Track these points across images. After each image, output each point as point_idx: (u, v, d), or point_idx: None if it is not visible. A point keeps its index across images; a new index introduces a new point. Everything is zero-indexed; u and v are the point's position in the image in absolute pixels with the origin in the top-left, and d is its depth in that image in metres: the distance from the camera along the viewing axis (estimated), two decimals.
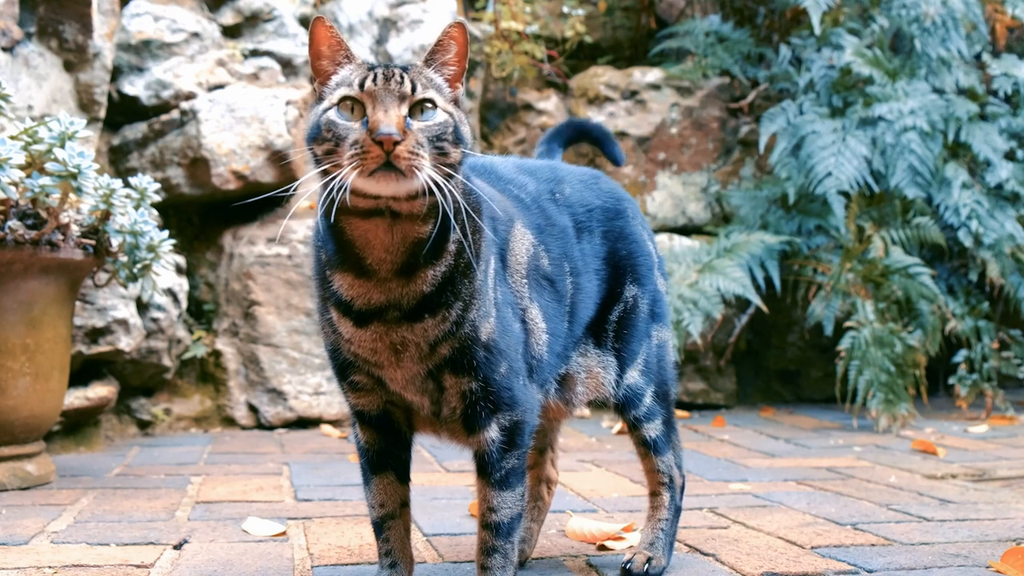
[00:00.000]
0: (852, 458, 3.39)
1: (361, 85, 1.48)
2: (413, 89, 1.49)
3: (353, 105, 1.48)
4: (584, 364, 1.87)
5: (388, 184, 1.44)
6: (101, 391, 3.51)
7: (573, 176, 1.95)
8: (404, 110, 1.47)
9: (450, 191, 1.48)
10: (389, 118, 1.44)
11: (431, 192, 1.46)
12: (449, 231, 1.54)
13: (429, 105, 1.50)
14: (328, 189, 1.46)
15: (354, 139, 1.45)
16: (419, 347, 1.56)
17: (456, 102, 1.57)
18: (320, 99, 1.55)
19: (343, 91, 1.49)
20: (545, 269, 1.76)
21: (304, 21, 4.55)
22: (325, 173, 1.49)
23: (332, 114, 1.48)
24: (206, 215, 4.30)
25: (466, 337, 1.57)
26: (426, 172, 1.44)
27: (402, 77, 1.49)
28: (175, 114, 4.14)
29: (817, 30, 4.63)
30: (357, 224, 1.51)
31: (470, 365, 1.58)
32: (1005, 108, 4.88)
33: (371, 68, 1.53)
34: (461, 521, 2.40)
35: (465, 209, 1.55)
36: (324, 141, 1.48)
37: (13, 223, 2.68)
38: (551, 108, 5.04)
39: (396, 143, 1.42)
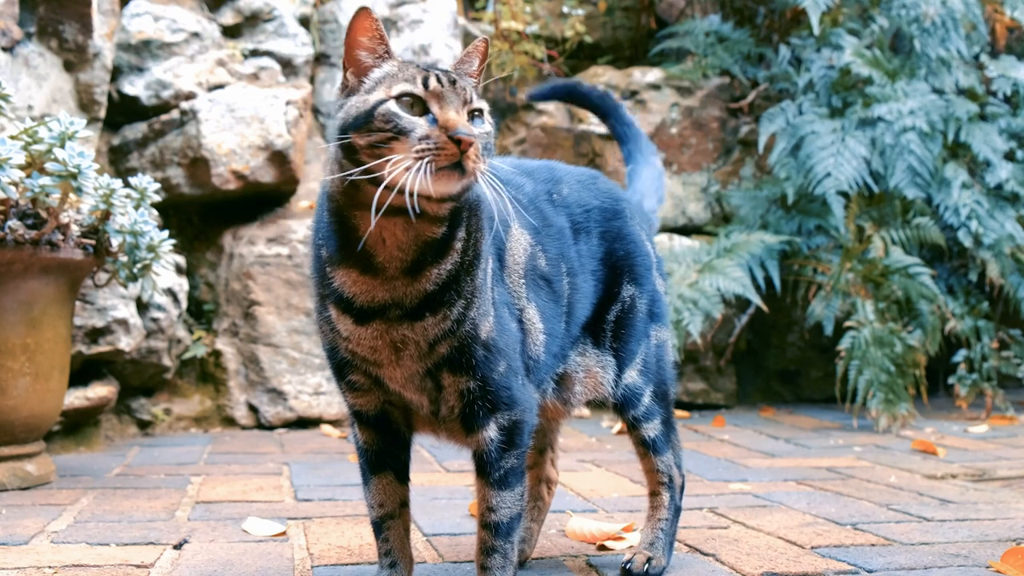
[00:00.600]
0: (852, 458, 3.39)
1: (425, 84, 1.48)
2: (471, 97, 1.51)
3: (414, 102, 1.47)
4: (582, 364, 1.87)
5: (447, 183, 1.45)
6: (101, 391, 3.51)
7: (571, 176, 1.95)
8: (465, 115, 1.49)
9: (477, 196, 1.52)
10: (464, 119, 1.46)
11: (455, 197, 1.49)
12: (457, 231, 1.54)
13: (479, 114, 1.52)
14: (370, 179, 1.44)
15: (423, 134, 1.44)
16: (419, 345, 1.56)
17: None
18: (351, 91, 1.53)
19: (404, 87, 1.47)
20: (542, 269, 1.76)
21: (304, 21, 4.55)
22: (358, 163, 1.46)
23: (391, 105, 1.46)
24: (206, 215, 4.30)
25: (466, 335, 1.57)
26: (486, 176, 1.47)
27: (463, 82, 1.51)
28: (175, 114, 4.14)
29: (816, 30, 4.63)
30: (377, 222, 1.49)
31: (469, 364, 1.58)
32: (1005, 108, 4.88)
33: (419, 66, 1.53)
34: (461, 521, 2.40)
35: (469, 208, 1.56)
36: (376, 131, 1.45)
37: (13, 223, 2.68)
38: (551, 108, 5.04)
39: (470, 144, 1.43)
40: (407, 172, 1.41)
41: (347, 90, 1.55)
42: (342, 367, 1.65)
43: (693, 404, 4.77)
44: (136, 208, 2.99)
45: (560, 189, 1.90)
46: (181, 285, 3.96)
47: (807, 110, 4.69)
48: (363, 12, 1.52)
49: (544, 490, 2.12)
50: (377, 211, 1.44)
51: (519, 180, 1.85)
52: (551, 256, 1.79)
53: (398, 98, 1.47)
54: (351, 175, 1.47)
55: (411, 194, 1.41)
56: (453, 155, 1.42)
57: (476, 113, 1.52)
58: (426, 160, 1.41)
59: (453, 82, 1.50)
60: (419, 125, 1.45)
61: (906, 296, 4.35)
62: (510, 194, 1.79)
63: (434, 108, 1.47)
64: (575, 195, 1.91)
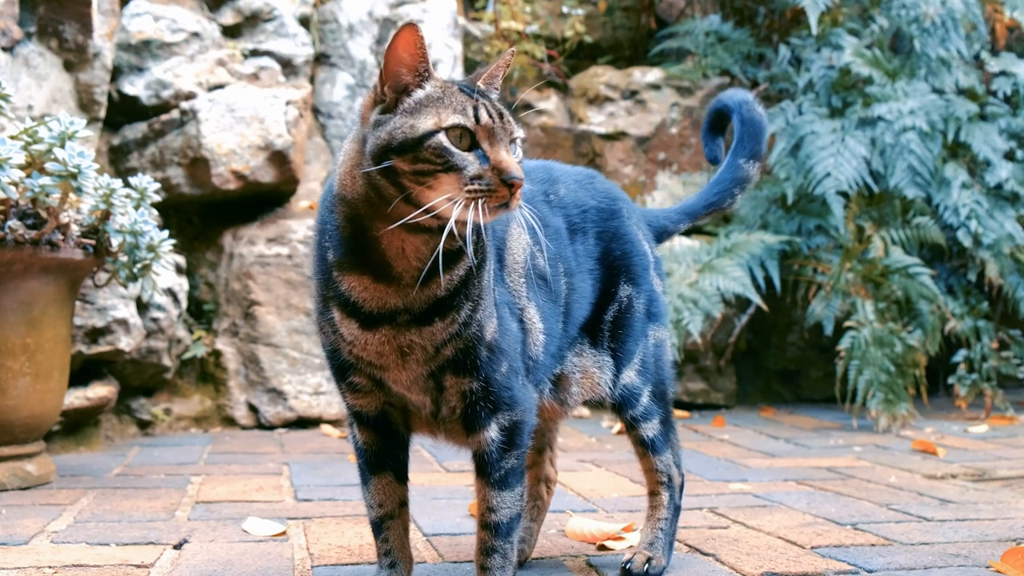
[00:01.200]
0: (852, 458, 3.39)
1: (477, 117, 1.47)
2: (514, 128, 1.52)
3: (462, 134, 1.46)
4: (579, 364, 1.87)
5: (491, 216, 1.47)
6: (101, 391, 3.51)
7: (568, 176, 1.95)
8: (512, 152, 1.50)
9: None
10: (514, 160, 1.47)
11: None
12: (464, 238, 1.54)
13: (517, 141, 1.53)
14: (404, 196, 1.45)
15: (476, 173, 1.44)
16: (425, 349, 1.56)
17: None
18: (389, 109, 1.50)
19: (456, 119, 1.46)
20: (540, 269, 1.76)
21: (304, 21, 4.55)
22: (397, 185, 1.46)
23: (443, 139, 1.45)
24: (206, 215, 4.30)
25: (471, 337, 1.57)
26: (523, 208, 1.50)
27: (503, 114, 1.52)
28: (175, 114, 4.14)
29: (815, 30, 4.63)
30: (399, 235, 1.49)
31: (473, 365, 1.58)
32: (1005, 108, 4.88)
33: (464, 91, 1.51)
34: (461, 521, 2.40)
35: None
36: (424, 162, 1.44)
37: (13, 223, 2.68)
38: (551, 108, 5.04)
39: (520, 187, 1.45)
40: (455, 206, 1.43)
41: (383, 105, 1.51)
42: (343, 369, 1.65)
43: (693, 404, 4.77)
44: (136, 208, 2.99)
45: (557, 189, 1.90)
46: (181, 285, 3.96)
47: (807, 110, 4.69)
48: (409, 27, 1.48)
49: (543, 490, 2.12)
50: (410, 228, 1.47)
51: None
52: (548, 256, 1.79)
53: (448, 130, 1.46)
54: (376, 191, 1.48)
55: (461, 224, 1.44)
56: (504, 197, 1.45)
57: (515, 141, 1.52)
58: (480, 201, 1.43)
59: (501, 115, 1.50)
60: (470, 163, 1.45)
61: (906, 296, 4.35)
62: None
63: (484, 144, 1.47)
64: (572, 195, 1.91)
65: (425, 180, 1.45)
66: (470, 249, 1.52)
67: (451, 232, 1.45)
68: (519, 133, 1.53)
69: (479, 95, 1.51)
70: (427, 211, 1.43)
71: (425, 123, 1.46)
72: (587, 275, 1.87)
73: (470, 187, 1.43)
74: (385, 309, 1.54)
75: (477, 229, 1.54)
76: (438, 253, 1.48)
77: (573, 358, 1.86)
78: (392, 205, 1.46)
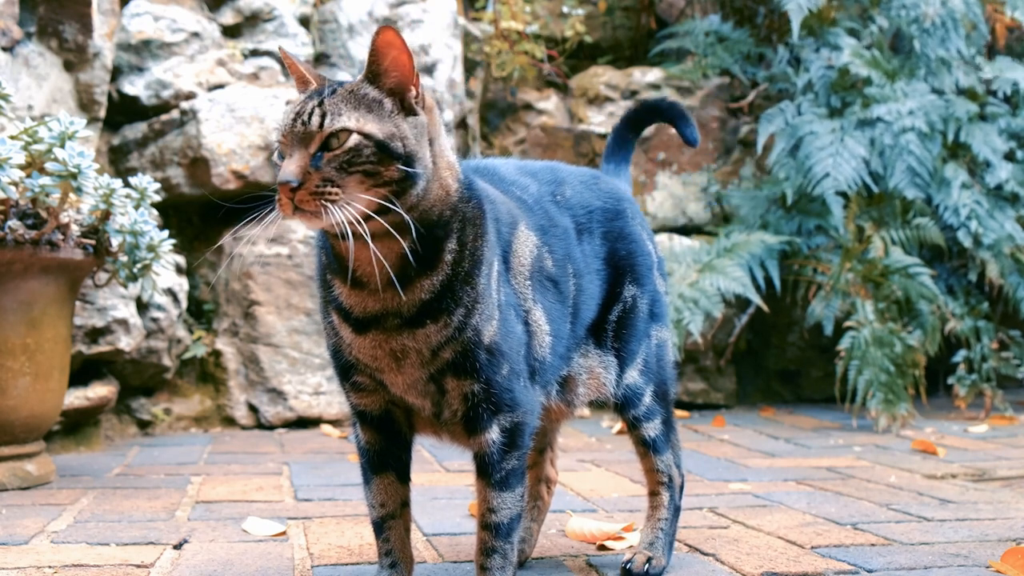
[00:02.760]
0: (852, 458, 3.39)
1: (283, 128, 1.51)
2: (320, 124, 1.48)
3: (284, 147, 1.51)
4: (585, 365, 1.87)
5: (306, 221, 1.48)
6: (101, 391, 3.51)
7: (573, 177, 1.95)
8: (313, 148, 1.48)
9: (425, 212, 1.51)
10: (289, 164, 1.47)
11: (385, 212, 1.47)
12: (444, 240, 1.54)
13: (344, 134, 1.48)
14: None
15: (276, 184, 1.49)
16: (420, 353, 1.56)
17: (410, 110, 1.53)
18: None
19: (275, 133, 1.54)
20: (549, 270, 1.76)
21: (304, 21, 4.55)
22: None
23: (275, 157, 1.54)
24: (206, 215, 4.30)
25: (468, 341, 1.57)
26: (335, 208, 1.44)
27: (312, 112, 1.49)
28: (175, 114, 4.14)
29: (795, 36, 4.63)
30: (336, 242, 1.54)
31: (472, 368, 1.58)
32: (1005, 108, 4.88)
33: (307, 99, 1.53)
34: (461, 521, 2.40)
35: (461, 217, 1.55)
36: None
37: (13, 223, 2.68)
38: (551, 108, 5.04)
39: (293, 189, 1.44)
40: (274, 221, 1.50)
41: None
42: (346, 369, 1.66)
43: (693, 404, 4.77)
44: (136, 208, 2.99)
45: (563, 190, 1.90)
46: (181, 285, 3.96)
47: (806, 110, 4.69)
48: (281, 52, 1.61)
49: (544, 490, 2.12)
50: (338, 237, 1.50)
51: (524, 181, 1.85)
52: (557, 257, 1.79)
53: (277, 148, 1.53)
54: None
55: (337, 226, 1.46)
56: (287, 204, 1.46)
57: (341, 135, 1.47)
58: (275, 210, 1.48)
59: (296, 118, 1.50)
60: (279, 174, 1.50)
61: (906, 296, 4.35)
62: (516, 194, 1.80)
63: (287, 152, 1.50)
64: (578, 196, 1.91)
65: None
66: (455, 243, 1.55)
67: (390, 234, 1.47)
68: (338, 124, 1.47)
69: (310, 98, 1.52)
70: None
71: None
72: (594, 276, 1.87)
73: (276, 197, 1.48)
74: (368, 313, 1.56)
75: (464, 232, 1.55)
76: (404, 253, 1.51)
77: (579, 359, 1.86)
78: None
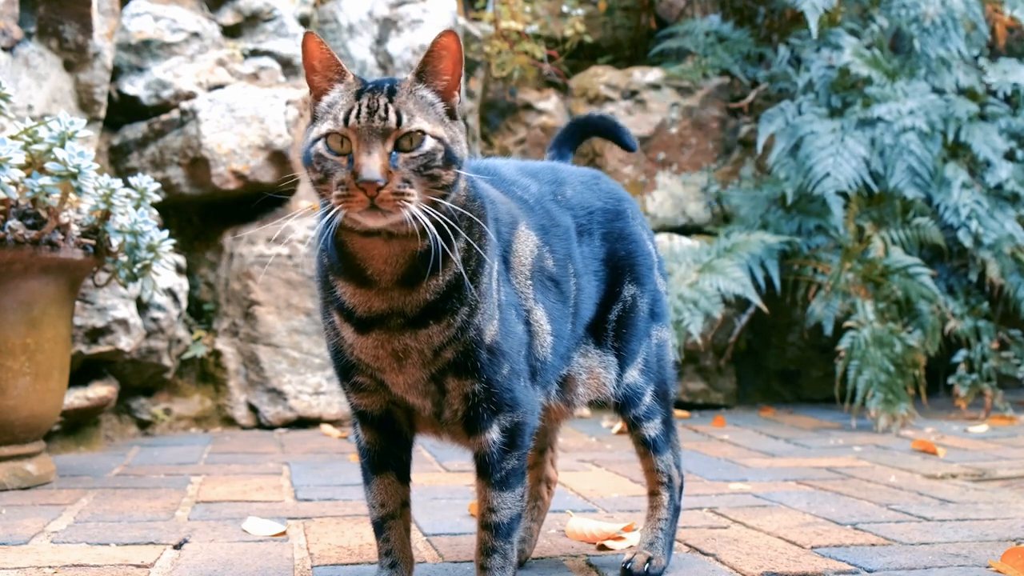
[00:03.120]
0: (852, 458, 3.39)
1: (346, 120, 1.47)
2: (399, 122, 1.47)
3: (342, 140, 1.48)
4: (585, 364, 1.87)
5: (376, 220, 1.46)
6: (101, 391, 3.51)
7: (574, 177, 1.95)
8: (389, 146, 1.46)
9: (448, 213, 1.49)
10: (372, 161, 1.44)
11: (427, 212, 1.47)
12: (452, 241, 1.54)
13: (418, 135, 1.48)
14: (323, 212, 1.49)
15: (340, 179, 1.46)
16: (422, 353, 1.56)
17: (452, 114, 1.56)
18: (314, 118, 1.55)
19: (328, 126, 1.48)
20: (550, 270, 1.76)
21: (304, 21, 4.55)
22: (320, 196, 1.52)
23: (320, 147, 1.48)
24: (206, 215, 4.30)
25: (470, 341, 1.57)
26: (412, 208, 1.45)
27: (387, 108, 1.47)
28: (175, 114, 4.14)
29: (814, 33, 4.63)
30: (356, 239, 1.52)
31: (473, 368, 1.58)
32: (1005, 108, 4.88)
33: (360, 92, 1.50)
34: (461, 521, 2.40)
35: (469, 217, 1.55)
36: (314, 171, 1.50)
37: (13, 223, 2.68)
38: (551, 108, 5.04)
39: (379, 188, 1.43)
40: (331, 216, 1.46)
41: (312, 117, 1.56)
42: (347, 369, 1.65)
43: (693, 404, 4.77)
44: (136, 208, 2.99)
45: (564, 191, 1.90)
46: (181, 285, 3.96)
47: (806, 110, 4.69)
48: (308, 36, 1.53)
49: (544, 490, 2.12)
50: (342, 229, 1.50)
51: (525, 181, 1.85)
52: (558, 257, 1.79)
53: (326, 137, 1.48)
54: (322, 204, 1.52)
55: (343, 227, 1.47)
56: (362, 201, 1.44)
57: (414, 135, 1.48)
58: (340, 207, 1.45)
59: (372, 112, 1.47)
60: (340, 169, 1.47)
61: (906, 296, 4.35)
62: (516, 194, 1.80)
63: (354, 147, 1.47)
64: (578, 196, 1.91)
65: (319, 187, 1.50)
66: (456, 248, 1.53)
67: (415, 234, 1.46)
68: (414, 126, 1.48)
69: (370, 93, 1.50)
70: (326, 216, 1.46)
71: (316, 131, 1.51)
72: (593, 276, 1.87)
73: (336, 193, 1.46)
74: (372, 313, 1.55)
75: (471, 232, 1.55)
76: (416, 253, 1.50)
77: (579, 359, 1.86)
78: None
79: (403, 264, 1.51)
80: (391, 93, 1.50)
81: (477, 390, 1.59)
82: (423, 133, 1.48)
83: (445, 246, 1.52)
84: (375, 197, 1.43)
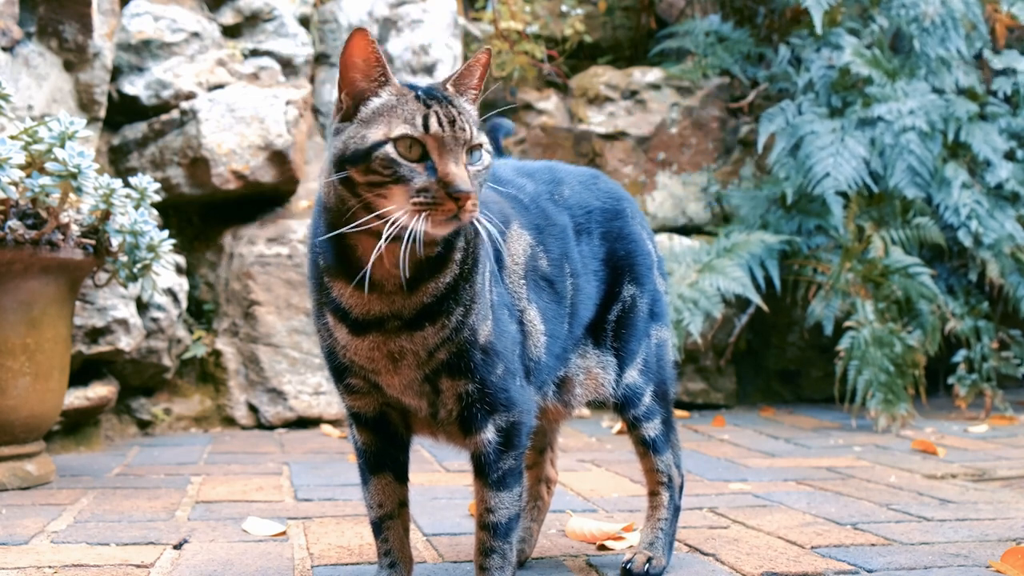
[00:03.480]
0: (852, 458, 3.39)
1: (426, 127, 1.45)
2: (472, 135, 1.49)
3: (411, 145, 1.45)
4: (583, 365, 1.87)
5: (447, 228, 1.46)
6: (101, 391, 3.51)
7: (572, 177, 1.95)
8: (464, 157, 1.47)
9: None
10: (462, 172, 1.44)
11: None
12: (456, 241, 1.54)
13: (479, 148, 1.50)
14: (376, 219, 1.44)
15: (422, 186, 1.43)
16: (417, 355, 1.56)
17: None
18: (348, 116, 1.50)
19: (403, 129, 1.45)
20: (544, 270, 1.76)
21: (304, 21, 4.55)
22: (356, 195, 1.46)
23: (390, 150, 1.44)
24: (206, 215, 4.30)
25: (464, 341, 1.57)
26: (478, 216, 1.47)
27: (463, 119, 1.48)
28: (175, 114, 4.14)
29: (819, 29, 4.63)
30: (371, 242, 1.48)
31: (467, 368, 1.58)
32: (1005, 108, 4.88)
33: (422, 99, 1.49)
34: (461, 521, 2.40)
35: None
36: (374, 173, 1.44)
37: (13, 223, 2.68)
38: (551, 108, 5.04)
39: (468, 199, 1.43)
40: (404, 217, 1.42)
41: (342, 113, 1.52)
42: (341, 371, 1.65)
43: (693, 404, 4.77)
44: (136, 208, 2.99)
45: (561, 190, 1.90)
46: (181, 285, 3.96)
47: (807, 110, 4.69)
48: (359, 33, 1.48)
49: (544, 490, 2.12)
50: (359, 232, 1.47)
51: (520, 181, 1.85)
52: (554, 256, 1.78)
53: (396, 141, 1.45)
54: (346, 204, 1.48)
55: (410, 236, 1.42)
56: (451, 210, 1.43)
57: (476, 148, 1.50)
58: (423, 214, 1.42)
59: (452, 122, 1.47)
60: (417, 176, 1.44)
61: (906, 296, 4.35)
62: (511, 194, 1.80)
63: (433, 155, 1.45)
64: (576, 196, 1.91)
65: (377, 190, 1.45)
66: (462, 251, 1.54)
67: (416, 240, 1.44)
68: (480, 139, 1.50)
69: (436, 101, 1.49)
70: (382, 219, 1.43)
71: (375, 133, 1.46)
72: (592, 276, 1.87)
73: (416, 200, 1.42)
74: (371, 316, 1.54)
75: (467, 231, 1.55)
76: (421, 258, 1.49)
77: (577, 359, 1.86)
78: (353, 213, 1.47)
79: (411, 269, 1.50)
80: (452, 103, 1.51)
81: (471, 390, 1.59)
82: (482, 147, 1.51)
83: (450, 246, 1.53)
84: (463, 207, 1.43)
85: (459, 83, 1.56)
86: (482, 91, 1.59)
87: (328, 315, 1.59)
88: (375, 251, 1.44)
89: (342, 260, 1.54)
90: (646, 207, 4.96)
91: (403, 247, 1.43)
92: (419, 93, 1.51)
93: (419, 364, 1.57)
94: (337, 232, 1.49)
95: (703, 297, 4.25)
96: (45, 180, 2.66)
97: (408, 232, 1.41)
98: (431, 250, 1.51)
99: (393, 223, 1.42)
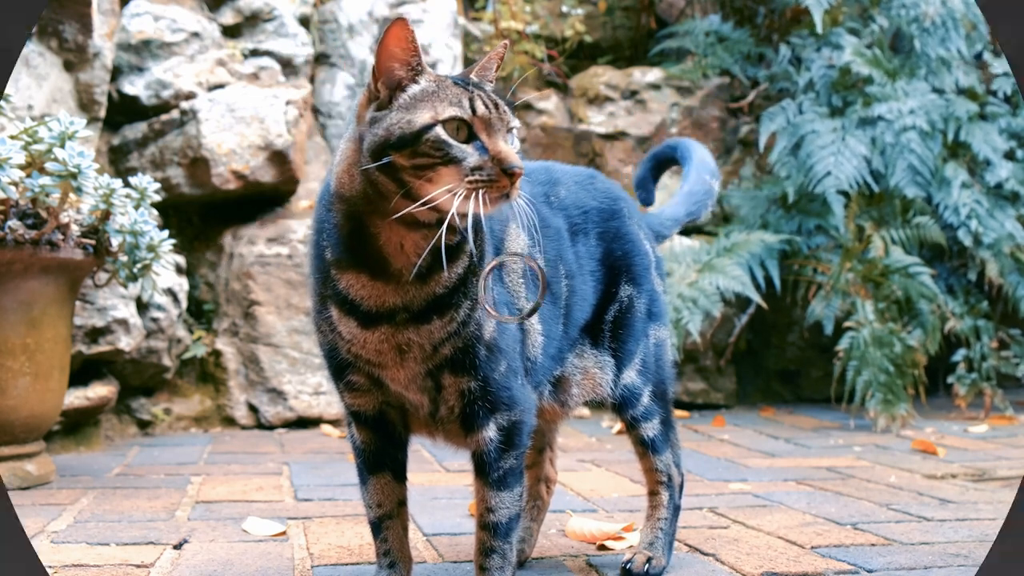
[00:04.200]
0: (852, 458, 3.39)
1: (473, 109, 1.48)
2: (511, 119, 1.52)
3: (459, 127, 1.47)
4: (580, 365, 1.87)
5: (496, 207, 1.47)
6: (101, 391, 3.51)
7: (568, 177, 1.95)
8: (506, 139, 1.51)
9: None
10: (512, 150, 1.48)
11: None
12: (466, 234, 1.54)
13: (515, 132, 1.54)
14: (404, 192, 1.45)
15: (476, 164, 1.44)
16: (423, 348, 1.56)
17: None
18: (383, 105, 1.50)
19: (453, 111, 1.46)
20: None
21: (304, 21, 4.55)
22: (397, 181, 1.46)
23: (440, 132, 1.45)
24: (206, 215, 4.30)
25: (470, 336, 1.57)
26: (521, 195, 1.50)
27: (504, 105, 1.52)
28: (175, 114, 4.14)
29: (820, 29, 4.63)
30: (397, 230, 1.49)
31: (471, 364, 1.58)
32: (1005, 108, 4.88)
33: (458, 84, 1.51)
34: (461, 521, 2.40)
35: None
36: (423, 156, 1.45)
37: (13, 223, 2.68)
38: (551, 108, 5.04)
39: (520, 176, 1.46)
40: (456, 198, 1.43)
41: (377, 102, 1.52)
42: (341, 368, 1.64)
43: (693, 404, 4.77)
44: (136, 208, 2.99)
45: (557, 191, 1.90)
46: (181, 285, 3.96)
47: (807, 109, 4.69)
48: (399, 23, 1.49)
49: (543, 490, 2.12)
50: (409, 224, 1.48)
51: None
52: (549, 257, 1.78)
53: (445, 123, 1.46)
54: (370, 185, 1.49)
55: (462, 217, 1.44)
56: (505, 187, 1.45)
57: (511, 131, 1.53)
58: (480, 191, 1.43)
59: (496, 105, 1.51)
60: (470, 155, 1.45)
61: (906, 296, 4.35)
62: None
63: (482, 135, 1.47)
64: (572, 196, 1.91)
65: (425, 174, 1.45)
66: (471, 241, 1.53)
67: (450, 226, 1.46)
68: (515, 123, 1.54)
69: (473, 87, 1.52)
70: (427, 204, 1.44)
71: (422, 117, 1.46)
72: (588, 276, 1.87)
73: (471, 178, 1.44)
74: (384, 307, 1.54)
75: (477, 225, 1.55)
76: (440, 247, 1.48)
77: (574, 360, 1.86)
78: (391, 201, 1.47)
79: (430, 258, 1.51)
80: (484, 89, 1.54)
81: (473, 387, 1.59)
82: (515, 129, 1.55)
83: (465, 240, 1.54)
84: (515, 184, 1.46)
85: (481, 74, 1.60)
86: (491, 80, 1.63)
87: (332, 309, 1.58)
88: (435, 238, 1.47)
89: (356, 251, 1.53)
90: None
91: (440, 233, 1.45)
92: (456, 80, 1.54)
93: (424, 358, 1.57)
94: (355, 222, 1.51)
95: (702, 296, 4.25)
96: (45, 180, 2.66)
97: (449, 216, 1.43)
98: (451, 237, 1.51)
99: (437, 207, 1.45)
